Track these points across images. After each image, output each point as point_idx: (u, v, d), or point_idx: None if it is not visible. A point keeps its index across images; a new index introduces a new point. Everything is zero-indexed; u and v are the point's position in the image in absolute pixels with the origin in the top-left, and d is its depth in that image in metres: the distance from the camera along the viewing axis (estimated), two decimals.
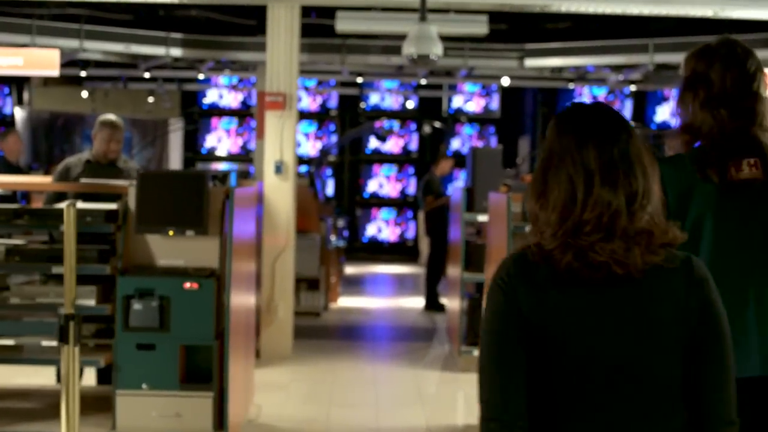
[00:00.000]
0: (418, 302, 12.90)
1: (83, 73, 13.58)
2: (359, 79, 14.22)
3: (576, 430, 2.08)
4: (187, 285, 5.73)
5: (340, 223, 13.97)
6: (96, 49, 10.11)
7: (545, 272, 2.08)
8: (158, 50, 10.35)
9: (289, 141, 9.10)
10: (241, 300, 6.15)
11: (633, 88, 14.64)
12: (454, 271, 9.40)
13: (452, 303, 9.53)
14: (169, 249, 5.98)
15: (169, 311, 5.73)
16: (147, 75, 13.60)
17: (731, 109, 2.78)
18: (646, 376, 2.09)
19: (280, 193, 9.08)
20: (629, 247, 2.05)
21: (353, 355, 9.48)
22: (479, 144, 18.95)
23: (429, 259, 12.70)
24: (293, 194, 9.17)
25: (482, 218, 8.64)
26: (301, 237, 11.83)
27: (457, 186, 9.22)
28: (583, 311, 2.08)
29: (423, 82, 13.62)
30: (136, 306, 5.72)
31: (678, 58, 9.91)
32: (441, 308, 12.41)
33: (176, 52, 10.50)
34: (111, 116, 7.21)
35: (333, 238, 13.68)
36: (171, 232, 5.85)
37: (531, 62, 10.53)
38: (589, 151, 2.06)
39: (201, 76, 13.88)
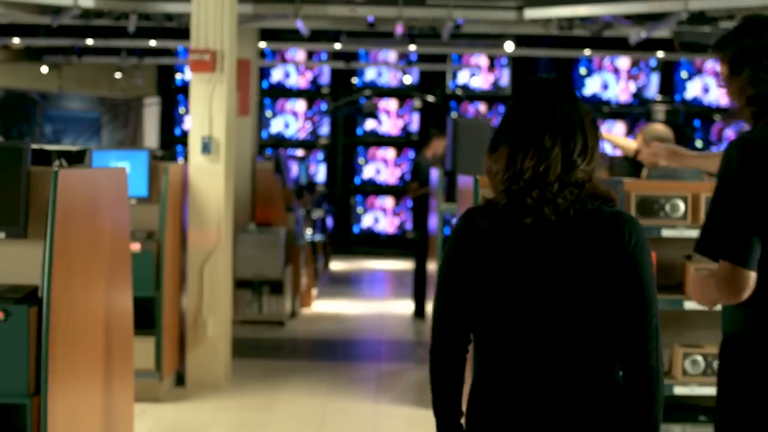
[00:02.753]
0: (410, 306, 10.97)
1: (16, 40, 11.70)
2: (337, 45, 12.22)
3: (508, 367, 2.35)
4: None
5: (318, 213, 12.04)
6: None
7: (489, 219, 2.37)
8: (64, 0, 8.44)
9: (222, 112, 7.16)
10: (82, 330, 4.23)
11: (661, 54, 12.57)
12: (431, 277, 7.45)
13: (430, 319, 7.58)
14: None
15: None
16: (90, 42, 11.72)
17: None
18: (572, 319, 2.31)
19: (209, 179, 7.16)
20: (559, 194, 2.32)
21: (307, 381, 7.56)
22: None
23: (416, 257, 10.74)
24: (226, 179, 7.24)
25: None
26: (263, 231, 9.97)
27: (436, 170, 7.29)
28: (516, 253, 2.34)
29: (412, 47, 11.64)
30: None
31: (719, 3, 7.88)
32: None
33: (87, 2, 8.58)
34: None
35: (308, 231, 11.76)
36: None
37: (532, 13, 8.55)
38: (536, 114, 2.37)
39: (153, 43, 11.94)
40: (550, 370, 2.31)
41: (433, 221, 7.43)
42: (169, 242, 6.80)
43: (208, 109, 7.12)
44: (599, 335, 2.31)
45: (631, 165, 6.97)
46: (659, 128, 6.53)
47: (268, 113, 17.21)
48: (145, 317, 6.86)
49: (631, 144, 6.94)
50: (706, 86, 15.74)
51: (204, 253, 7.17)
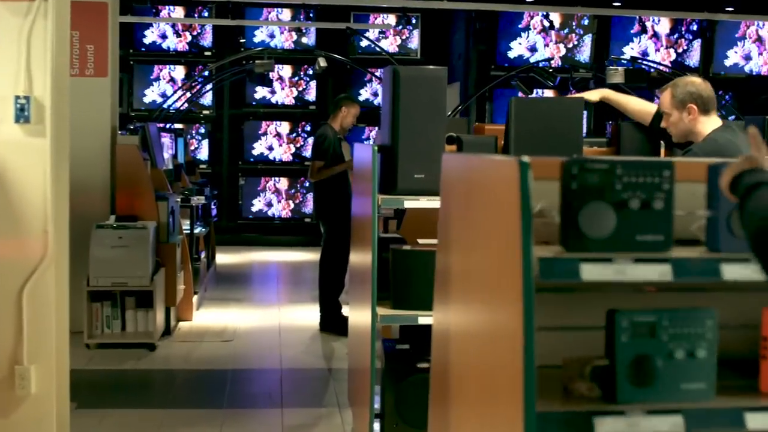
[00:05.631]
0: (315, 313, 8.77)
1: None
2: None
3: None
4: None
5: (199, 199, 9.72)
6: None
7: None
8: None
9: (46, 61, 4.80)
10: None
11: (619, 3, 10.56)
12: (360, 298, 5.22)
13: (359, 354, 5.35)
14: None
15: None
16: None
17: None
18: None
19: (28, 159, 4.79)
20: None
21: None
22: None
23: (323, 256, 8.53)
24: (56, 159, 4.88)
25: (413, 204, 4.56)
26: (125, 227, 7.65)
27: (366, 145, 5.12)
28: None
29: None
30: None
31: None
32: (345, 328, 8.29)
33: None
34: None
35: (186, 223, 9.43)
36: None
37: None
38: None
39: None
40: None
41: (361, 209, 5.23)
42: None
43: (25, 56, 4.75)
44: None
45: (646, 135, 4.90)
46: (697, 83, 4.45)
47: (154, 71, 14.70)
48: None
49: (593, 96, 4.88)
50: (645, 50, 13.88)
51: (23, 271, 4.82)
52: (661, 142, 4.88)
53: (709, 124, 4.45)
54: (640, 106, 4.88)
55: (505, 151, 4.81)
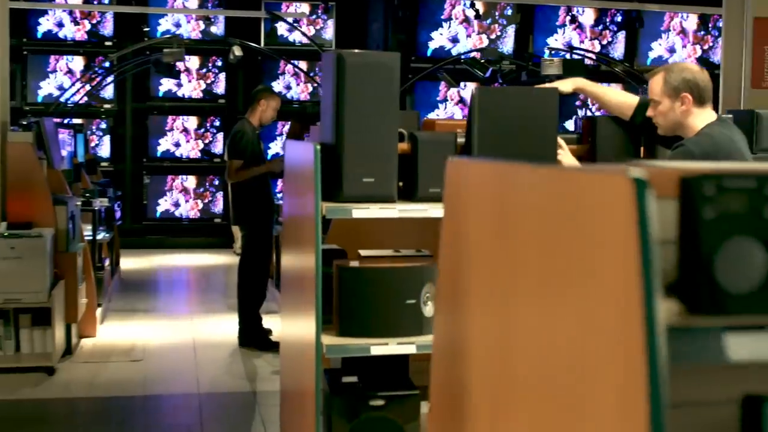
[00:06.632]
0: (232, 325, 8.01)
1: None
2: None
3: None
4: None
5: (102, 201, 8.84)
6: None
7: None
8: None
9: None
10: None
11: None
12: (295, 317, 4.49)
13: (295, 383, 4.62)
14: None
15: None
16: None
17: None
18: None
19: None
20: None
21: None
22: (307, 88, 14.03)
23: (242, 264, 7.77)
24: None
25: (363, 213, 3.87)
26: (19, 235, 6.80)
27: (304, 143, 4.39)
28: None
29: None
30: None
31: None
32: (268, 342, 7.60)
33: None
34: None
35: (87, 228, 8.56)
36: None
37: None
38: None
39: None
40: None
41: (295, 218, 4.51)
42: None
43: None
44: None
45: (625, 131, 4.30)
46: (694, 70, 3.87)
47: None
48: None
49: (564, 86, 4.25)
50: (569, 41, 13.40)
51: None
52: (642, 138, 4.30)
53: (703, 117, 3.88)
54: (619, 98, 4.28)
55: (467, 149, 4.15)
